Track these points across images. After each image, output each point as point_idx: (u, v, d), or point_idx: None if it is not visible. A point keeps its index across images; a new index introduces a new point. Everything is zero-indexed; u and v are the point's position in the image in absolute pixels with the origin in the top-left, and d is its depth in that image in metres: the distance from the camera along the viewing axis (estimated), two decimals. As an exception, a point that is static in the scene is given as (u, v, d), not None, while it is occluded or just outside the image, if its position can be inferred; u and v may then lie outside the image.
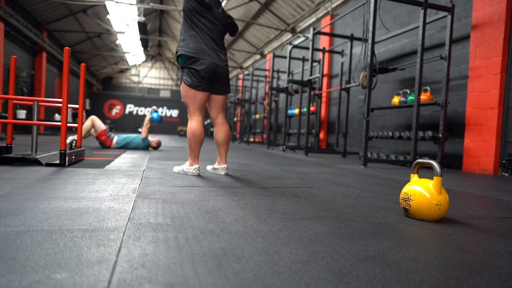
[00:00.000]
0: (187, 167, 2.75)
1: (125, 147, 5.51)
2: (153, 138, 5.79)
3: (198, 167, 2.73)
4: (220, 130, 2.84)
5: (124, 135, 5.64)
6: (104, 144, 5.47)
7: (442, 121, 4.46)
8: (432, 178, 1.50)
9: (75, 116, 16.24)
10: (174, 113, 25.72)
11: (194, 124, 2.69)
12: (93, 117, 5.53)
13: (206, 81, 2.65)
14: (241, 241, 1.06)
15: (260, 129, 12.70)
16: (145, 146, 5.59)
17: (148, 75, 25.52)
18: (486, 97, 4.50)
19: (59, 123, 2.89)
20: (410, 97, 4.88)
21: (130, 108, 25.11)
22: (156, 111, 5.84)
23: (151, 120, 5.66)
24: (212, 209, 1.49)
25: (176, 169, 2.86)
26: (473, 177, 3.88)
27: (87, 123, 5.42)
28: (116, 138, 5.55)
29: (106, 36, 16.79)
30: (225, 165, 2.87)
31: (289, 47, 7.49)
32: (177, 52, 2.70)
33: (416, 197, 1.47)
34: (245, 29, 14.30)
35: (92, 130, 5.50)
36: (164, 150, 5.84)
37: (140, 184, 2.12)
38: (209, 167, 3.02)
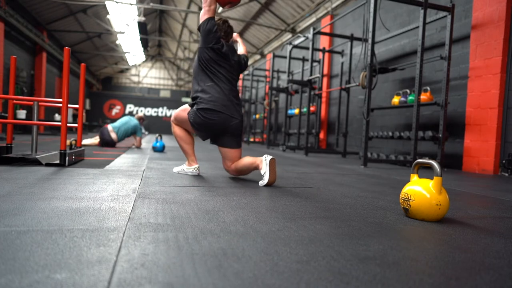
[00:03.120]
0: (187, 167, 2.75)
1: (126, 133, 5.93)
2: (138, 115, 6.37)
3: (198, 167, 2.73)
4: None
5: (116, 124, 5.96)
6: (110, 143, 5.82)
7: (442, 121, 4.46)
8: (432, 178, 1.50)
9: (75, 116, 16.25)
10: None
11: (176, 129, 2.75)
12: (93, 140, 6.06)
13: (211, 133, 2.56)
14: (241, 241, 1.06)
15: (260, 129, 12.70)
16: (138, 127, 6.10)
17: (148, 75, 25.52)
18: (486, 97, 4.49)
19: (59, 123, 2.89)
20: (410, 97, 4.88)
21: (130, 108, 25.10)
22: (160, 140, 5.61)
23: (154, 149, 5.49)
24: (212, 209, 1.49)
25: (176, 169, 2.86)
26: (473, 177, 3.88)
27: (93, 141, 5.98)
28: (111, 128, 5.86)
29: (106, 36, 16.79)
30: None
31: (289, 47, 7.49)
32: (194, 104, 2.56)
33: (416, 197, 1.47)
34: (245, 29, 14.29)
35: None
36: (164, 150, 5.83)
37: (140, 184, 2.12)
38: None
